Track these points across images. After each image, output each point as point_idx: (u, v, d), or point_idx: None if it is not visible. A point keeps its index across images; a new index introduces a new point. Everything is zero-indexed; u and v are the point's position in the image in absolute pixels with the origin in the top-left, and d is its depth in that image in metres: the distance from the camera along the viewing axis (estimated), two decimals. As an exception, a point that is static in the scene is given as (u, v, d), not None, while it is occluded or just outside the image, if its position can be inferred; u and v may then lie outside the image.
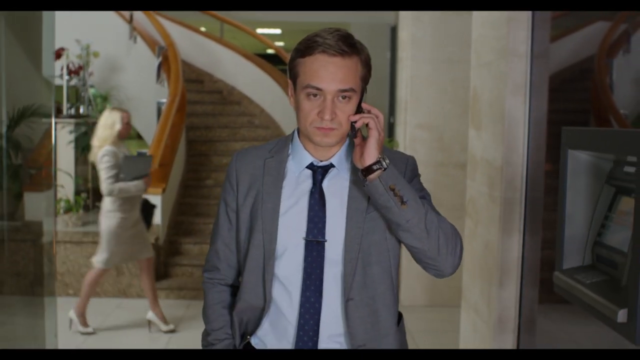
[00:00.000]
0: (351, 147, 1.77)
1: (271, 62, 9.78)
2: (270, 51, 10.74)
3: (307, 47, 1.66)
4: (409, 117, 5.76)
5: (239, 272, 1.87)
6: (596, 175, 2.35)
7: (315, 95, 1.65)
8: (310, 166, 1.77)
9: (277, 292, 1.76)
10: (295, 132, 1.81)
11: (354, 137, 1.68)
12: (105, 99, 7.71)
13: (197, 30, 9.67)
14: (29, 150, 4.11)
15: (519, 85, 3.13)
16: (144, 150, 6.59)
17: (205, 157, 8.06)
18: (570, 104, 3.29)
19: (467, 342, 3.75)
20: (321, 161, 1.76)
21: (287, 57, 9.07)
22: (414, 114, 5.75)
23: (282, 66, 9.35)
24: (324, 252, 1.73)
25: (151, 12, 8.46)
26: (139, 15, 8.38)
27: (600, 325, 2.16)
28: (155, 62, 7.79)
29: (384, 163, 1.63)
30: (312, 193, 1.74)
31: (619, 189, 2.30)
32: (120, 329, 5.30)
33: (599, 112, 2.99)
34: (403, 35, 6.09)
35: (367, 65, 1.71)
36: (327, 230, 1.73)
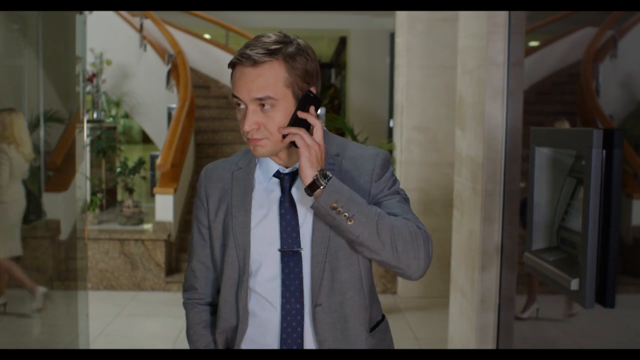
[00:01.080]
0: None
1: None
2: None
3: (233, 59, 1.62)
4: (405, 120, 6.15)
5: (218, 289, 1.79)
6: (560, 169, 2.74)
7: (239, 104, 1.61)
8: (277, 174, 1.72)
9: (257, 306, 1.71)
10: None
11: (295, 147, 1.61)
12: (117, 104, 8.11)
13: (203, 38, 10.08)
14: (47, 153, 4.46)
15: (497, 90, 3.52)
16: (155, 153, 6.99)
17: (212, 159, 8.41)
18: (559, 106, 3.46)
19: (454, 322, 4.14)
20: (287, 168, 1.71)
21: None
22: (409, 117, 6.13)
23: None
24: (301, 261, 1.68)
25: (160, 21, 8.87)
26: (148, 25, 8.78)
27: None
28: (164, 69, 8.19)
29: (321, 181, 1.57)
30: (281, 202, 1.69)
31: (579, 180, 2.68)
32: (136, 316, 5.71)
33: (585, 114, 3.16)
34: (399, 43, 6.48)
35: (296, 70, 1.60)
36: (302, 238, 1.68)
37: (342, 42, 13.75)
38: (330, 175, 1.58)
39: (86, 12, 3.54)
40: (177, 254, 6.79)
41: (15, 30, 3.32)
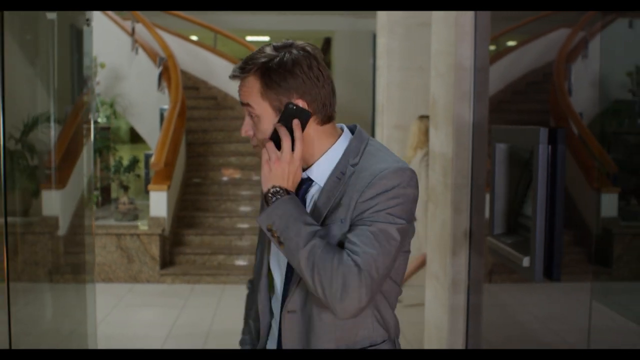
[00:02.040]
0: (336, 160, 1.69)
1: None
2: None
3: None
4: (386, 118, 6.50)
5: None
6: (517, 163, 3.09)
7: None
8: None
9: (273, 305, 1.79)
10: None
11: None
12: (111, 105, 8.42)
13: (192, 41, 10.41)
14: (45, 153, 4.73)
15: (465, 93, 3.88)
16: (149, 152, 7.32)
17: (203, 158, 8.79)
18: (535, 104, 3.64)
19: (430, 306, 4.49)
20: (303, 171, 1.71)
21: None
22: (389, 116, 6.49)
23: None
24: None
25: (150, 24, 9.18)
26: (140, 29, 9.09)
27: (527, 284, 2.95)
28: (156, 71, 8.51)
29: (270, 199, 1.59)
30: None
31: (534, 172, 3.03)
32: (133, 307, 6.04)
33: (557, 112, 3.34)
34: (380, 45, 6.84)
35: (273, 83, 1.63)
36: None
37: (327, 42, 14.01)
38: (281, 196, 1.59)
39: (92, 24, 3.85)
40: (171, 248, 7.12)
41: (28, 41, 3.61)
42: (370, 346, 1.71)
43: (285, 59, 1.63)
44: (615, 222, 3.67)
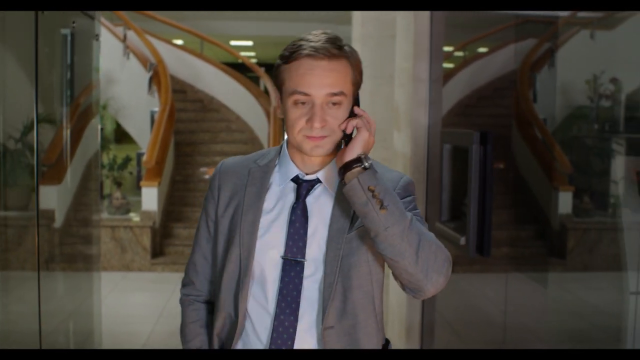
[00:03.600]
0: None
1: (242, 71, 11.20)
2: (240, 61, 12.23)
3: (292, 52, 1.56)
4: (359, 122, 7.14)
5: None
6: (460, 160, 3.70)
7: (303, 102, 1.53)
8: (296, 179, 1.64)
9: (252, 311, 1.64)
10: (285, 143, 1.69)
11: (347, 145, 1.55)
12: (104, 107, 8.98)
13: (180, 47, 11.00)
14: (42, 151, 5.14)
15: (421, 100, 4.52)
16: (141, 151, 7.90)
17: (190, 157, 9.40)
18: (500, 109, 3.90)
19: (393, 284, 5.13)
20: (307, 174, 1.64)
21: (253, 65, 10.49)
22: (362, 119, 7.13)
23: (252, 74, 10.74)
24: (302, 273, 1.59)
25: (141, 31, 9.76)
26: (131, 35, 9.67)
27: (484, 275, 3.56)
28: (146, 75, 9.09)
29: (365, 163, 1.50)
30: (294, 208, 1.61)
31: (472, 168, 3.63)
32: (127, 292, 6.64)
33: (520, 117, 3.58)
34: (354, 56, 7.48)
35: (357, 69, 1.59)
36: (308, 250, 1.60)
37: None
38: (371, 162, 1.53)
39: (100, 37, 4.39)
40: (161, 239, 7.74)
41: (45, 52, 4.12)
42: (383, 345, 1.71)
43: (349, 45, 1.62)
44: (570, 218, 4.24)
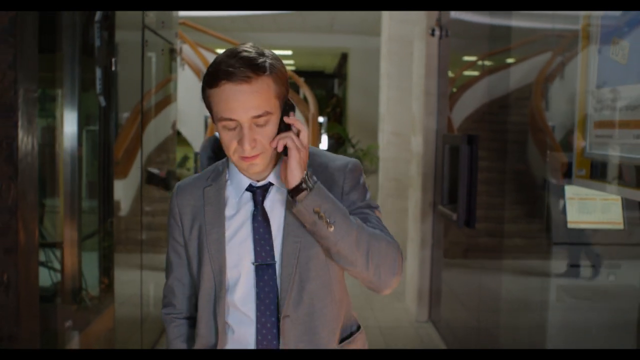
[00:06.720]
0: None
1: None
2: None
3: (212, 77, 1.54)
4: (386, 126, 8.22)
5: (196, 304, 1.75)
6: (455, 156, 4.78)
7: (232, 127, 1.54)
8: (250, 188, 1.68)
9: (235, 321, 1.70)
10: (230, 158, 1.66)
11: (285, 155, 1.57)
12: (163, 113, 10.22)
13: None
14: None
15: (431, 110, 5.64)
16: (197, 151, 9.10)
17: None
18: (521, 117, 4.12)
19: (408, 263, 6.25)
20: (259, 181, 1.67)
21: (293, 74, 11.60)
22: (388, 124, 8.18)
23: (291, 81, 11.73)
24: (275, 274, 1.65)
25: (194, 44, 10.99)
26: (186, 48, 10.91)
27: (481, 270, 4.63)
28: (199, 85, 10.26)
29: (308, 183, 1.54)
30: (254, 216, 1.66)
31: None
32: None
33: (534, 124, 3.77)
34: (382, 68, 8.58)
35: (281, 80, 1.57)
36: (276, 251, 1.65)
37: (344, 57, 15.03)
38: (316, 180, 1.58)
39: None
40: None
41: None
42: (353, 332, 1.80)
43: (272, 55, 1.59)
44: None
